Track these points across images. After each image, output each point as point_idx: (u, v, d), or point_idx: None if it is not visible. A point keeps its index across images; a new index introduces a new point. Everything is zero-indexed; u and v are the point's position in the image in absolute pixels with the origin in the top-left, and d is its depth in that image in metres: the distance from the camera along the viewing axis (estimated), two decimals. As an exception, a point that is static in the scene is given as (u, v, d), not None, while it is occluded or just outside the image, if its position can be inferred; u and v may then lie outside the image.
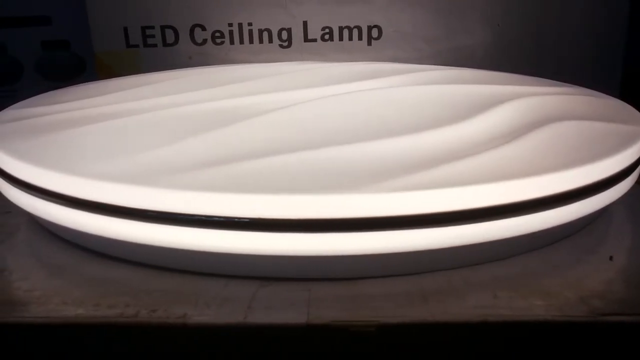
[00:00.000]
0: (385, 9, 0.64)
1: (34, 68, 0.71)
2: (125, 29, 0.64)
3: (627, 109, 0.43)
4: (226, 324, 0.28)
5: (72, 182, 0.31)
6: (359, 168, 0.31)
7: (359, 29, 0.65)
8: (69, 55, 0.71)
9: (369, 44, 0.66)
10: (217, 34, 0.65)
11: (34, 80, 0.71)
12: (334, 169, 0.31)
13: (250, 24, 0.65)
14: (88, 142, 0.36)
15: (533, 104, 0.41)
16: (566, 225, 0.33)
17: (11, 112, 0.44)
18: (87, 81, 0.55)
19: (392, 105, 0.42)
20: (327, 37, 0.65)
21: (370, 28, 0.65)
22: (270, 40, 0.65)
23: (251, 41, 0.65)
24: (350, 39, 0.65)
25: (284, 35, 0.65)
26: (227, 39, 0.65)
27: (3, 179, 0.36)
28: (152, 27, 0.64)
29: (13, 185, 0.35)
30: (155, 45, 0.65)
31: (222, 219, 0.29)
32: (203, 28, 0.65)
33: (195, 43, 0.65)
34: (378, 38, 0.65)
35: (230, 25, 0.65)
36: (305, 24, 0.65)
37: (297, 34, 0.65)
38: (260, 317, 0.28)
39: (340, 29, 0.65)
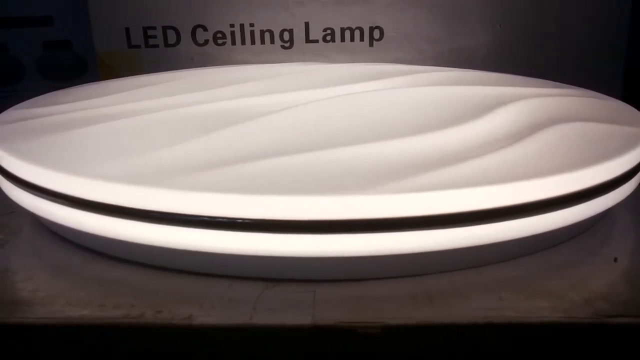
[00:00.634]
0: (387, 10, 0.64)
1: (35, 68, 0.71)
2: (127, 30, 0.64)
3: (630, 110, 0.43)
4: (232, 325, 0.28)
5: (76, 182, 0.31)
6: (364, 169, 0.31)
7: (361, 30, 0.65)
8: (70, 55, 0.71)
9: (371, 45, 0.66)
10: (219, 35, 0.65)
11: (36, 81, 0.71)
12: (338, 170, 0.31)
13: (252, 25, 0.65)
14: (91, 143, 0.36)
15: (536, 105, 0.41)
16: (570, 227, 0.33)
17: (14, 112, 0.44)
18: (89, 82, 0.55)
19: (395, 107, 0.42)
20: (328, 38, 0.65)
21: (372, 29, 0.65)
22: (272, 41, 0.65)
23: (253, 42, 0.65)
24: (352, 40, 0.65)
25: (286, 36, 0.65)
26: (228, 40, 0.65)
27: (7, 180, 0.36)
28: (154, 28, 0.64)
29: (16, 186, 0.35)
30: (156, 46, 0.65)
31: (226, 220, 0.29)
32: (205, 29, 0.64)
33: (196, 44, 0.65)
34: (380, 39, 0.65)
35: (232, 26, 0.64)
36: (307, 24, 0.65)
37: (299, 34, 0.65)
38: (266, 318, 0.28)
39: (342, 29, 0.65)
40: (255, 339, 0.28)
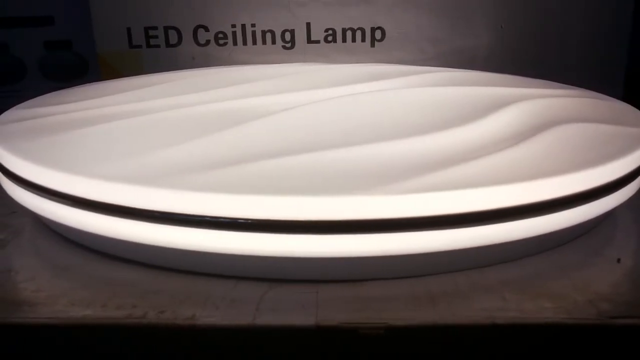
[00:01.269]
0: (389, 11, 0.64)
1: (36, 68, 0.71)
2: (128, 30, 0.64)
3: (633, 111, 0.43)
4: (235, 326, 0.28)
5: (78, 182, 0.31)
6: (367, 170, 0.31)
7: (363, 30, 0.65)
8: (71, 55, 0.71)
9: (373, 45, 0.65)
10: (220, 35, 0.65)
11: (37, 81, 0.71)
12: (341, 170, 0.31)
13: (253, 25, 0.64)
14: (93, 143, 0.36)
15: (539, 106, 0.41)
16: (573, 228, 0.33)
17: (16, 112, 0.44)
18: (90, 82, 0.55)
19: (398, 107, 0.42)
20: (330, 38, 0.65)
21: (373, 30, 0.65)
22: (274, 42, 0.65)
23: (254, 42, 0.65)
24: (354, 40, 0.65)
25: (287, 36, 0.65)
26: (230, 40, 0.65)
27: (8, 179, 0.36)
28: (155, 28, 0.64)
29: (19, 186, 0.35)
30: (158, 46, 0.65)
31: (229, 221, 0.29)
32: (206, 29, 0.64)
33: (198, 44, 0.65)
34: (381, 40, 0.65)
35: (234, 26, 0.64)
36: (308, 25, 0.65)
37: (300, 35, 0.65)
38: (269, 318, 0.28)
39: (344, 30, 0.65)
40: (259, 339, 0.28)
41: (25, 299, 0.30)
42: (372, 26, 0.65)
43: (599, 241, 0.36)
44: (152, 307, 0.29)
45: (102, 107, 0.43)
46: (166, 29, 0.64)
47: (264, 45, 0.65)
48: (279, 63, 0.60)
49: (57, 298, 0.30)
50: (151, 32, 0.64)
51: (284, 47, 0.65)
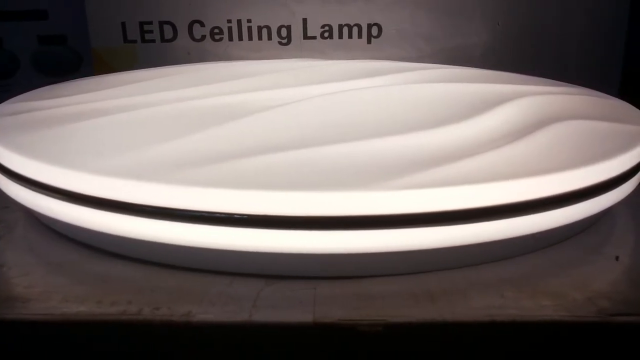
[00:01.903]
0: (386, 7, 0.64)
1: (29, 63, 0.70)
2: (123, 24, 0.63)
3: (630, 109, 0.43)
4: (231, 322, 0.27)
5: (72, 176, 0.31)
6: (364, 166, 0.31)
7: (359, 27, 0.65)
8: (65, 50, 0.70)
9: (369, 42, 0.65)
10: (216, 30, 0.64)
11: (30, 75, 0.70)
12: (339, 166, 0.31)
13: (249, 21, 0.64)
14: (88, 137, 0.36)
15: (537, 103, 0.41)
16: (571, 225, 0.33)
17: (9, 106, 0.43)
18: (84, 77, 0.54)
19: (396, 103, 0.42)
20: (326, 34, 0.65)
21: (370, 26, 0.65)
22: (270, 38, 0.65)
23: (250, 38, 0.65)
24: (350, 37, 0.65)
25: (284, 32, 0.65)
26: (226, 36, 0.64)
27: (1, 173, 0.35)
28: (150, 23, 0.64)
29: (12, 180, 0.34)
30: (153, 41, 0.64)
31: (226, 216, 0.29)
32: (202, 24, 0.64)
33: (193, 39, 0.64)
34: (378, 36, 0.65)
35: (229, 21, 0.64)
36: (304, 21, 0.64)
37: (297, 31, 0.65)
38: (266, 315, 0.28)
39: (340, 26, 0.65)
40: (256, 336, 0.27)
41: (18, 295, 0.30)
42: (369, 23, 0.64)
43: (597, 239, 0.35)
44: (148, 303, 0.29)
45: (97, 102, 0.42)
46: (161, 23, 0.64)
47: (260, 41, 0.65)
48: (275, 59, 0.59)
49: (51, 294, 0.30)
50: (146, 27, 0.64)
51: (280, 43, 0.65)
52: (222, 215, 0.29)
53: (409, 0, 0.64)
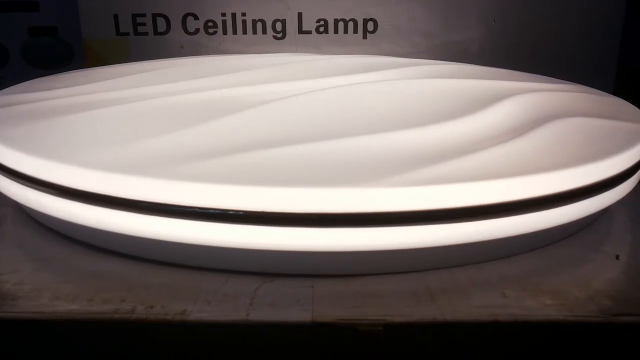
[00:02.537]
0: (382, 2, 0.63)
1: (19, 54, 0.69)
2: (116, 16, 0.62)
3: (628, 106, 0.43)
4: (228, 322, 0.27)
5: (63, 170, 0.30)
6: (364, 162, 0.30)
7: (355, 21, 0.64)
8: (56, 42, 0.69)
9: (364, 37, 0.65)
10: (210, 24, 0.63)
11: (20, 67, 0.69)
12: (337, 162, 0.30)
13: (244, 14, 0.63)
14: (79, 130, 0.35)
15: (536, 100, 0.41)
16: (572, 223, 0.32)
17: (-2, 98, 0.42)
18: (75, 69, 0.53)
19: (393, 99, 0.41)
20: (322, 29, 0.64)
21: (365, 21, 0.64)
22: (264, 31, 0.64)
23: (244, 32, 0.64)
24: (346, 31, 0.64)
25: (278, 26, 0.64)
26: (220, 29, 0.63)
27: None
28: (143, 15, 0.63)
29: (0, 174, 0.33)
30: (145, 34, 0.63)
31: (221, 212, 0.28)
32: (195, 17, 0.63)
33: (187, 32, 0.63)
34: (374, 31, 0.64)
35: (224, 15, 0.63)
36: (300, 15, 0.64)
37: (292, 25, 0.64)
38: (264, 314, 0.27)
39: (336, 21, 0.64)
40: (253, 336, 0.27)
41: (7, 293, 0.29)
42: (365, 17, 0.64)
43: (597, 237, 0.35)
44: (141, 301, 0.28)
45: (89, 94, 0.41)
46: (154, 16, 0.63)
47: (255, 35, 0.64)
48: (270, 53, 0.58)
49: (41, 291, 0.29)
50: (139, 20, 0.63)
51: (274, 37, 0.64)
52: (217, 211, 0.28)
53: (405, -5, 0.63)
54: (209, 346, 0.27)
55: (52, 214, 0.32)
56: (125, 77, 0.46)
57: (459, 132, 0.34)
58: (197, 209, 0.28)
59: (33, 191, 0.32)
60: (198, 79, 0.44)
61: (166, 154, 0.31)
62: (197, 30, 0.63)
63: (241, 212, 0.28)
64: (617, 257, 0.33)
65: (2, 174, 0.33)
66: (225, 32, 0.64)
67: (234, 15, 0.63)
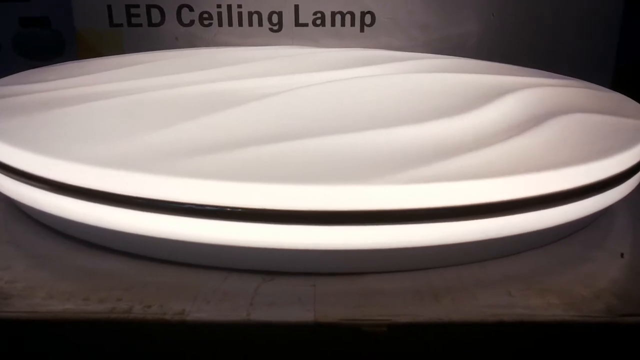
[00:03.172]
0: (380, -5, 0.62)
1: (11, 46, 0.67)
2: (109, 7, 0.61)
3: (629, 102, 0.43)
4: (228, 322, 0.26)
5: (58, 165, 0.29)
6: (366, 159, 0.30)
7: (352, 14, 0.63)
8: (48, 33, 0.67)
9: (362, 30, 0.64)
10: (205, 15, 0.62)
11: (11, 58, 0.67)
12: (338, 159, 0.30)
13: (239, 6, 0.62)
14: (74, 124, 0.34)
15: (537, 95, 0.40)
16: (576, 221, 0.32)
17: (-11, 90, 0.41)
18: (67, 60, 0.52)
19: (392, 94, 0.40)
20: (318, 22, 0.63)
21: (363, 14, 0.63)
22: (260, 24, 0.63)
23: (240, 24, 0.63)
24: (343, 24, 0.63)
25: (275, 18, 0.63)
26: (215, 21, 0.62)
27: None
28: (137, 6, 0.61)
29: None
30: (139, 25, 0.62)
31: (220, 209, 0.27)
32: (190, 8, 0.62)
33: (181, 24, 0.62)
34: (371, 25, 0.64)
35: (219, 6, 0.62)
36: (296, 7, 0.63)
37: (288, 17, 0.63)
38: (264, 314, 0.26)
39: (333, 14, 0.63)
40: (253, 336, 0.26)
41: (-1, 291, 0.28)
42: (362, 10, 0.63)
43: (599, 234, 0.35)
44: (138, 300, 0.27)
45: (83, 87, 0.40)
46: (149, 7, 0.61)
47: (250, 27, 0.63)
48: (266, 46, 0.58)
49: (35, 290, 0.28)
50: (133, 10, 0.61)
51: (270, 29, 0.63)
52: (215, 208, 0.27)
53: (403, -12, 0.62)
54: (209, 346, 0.26)
55: (46, 210, 0.31)
56: (121, 69, 0.45)
57: (460, 129, 0.34)
58: (195, 206, 0.27)
59: (26, 186, 0.31)
60: (196, 71, 0.44)
61: (164, 149, 0.30)
62: (192, 22, 0.62)
63: (239, 210, 0.27)
64: (622, 255, 0.32)
65: (-6, 169, 0.33)
66: (220, 24, 0.62)
67: (229, 6, 0.62)
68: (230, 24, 0.63)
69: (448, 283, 0.29)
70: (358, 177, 0.28)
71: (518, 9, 0.63)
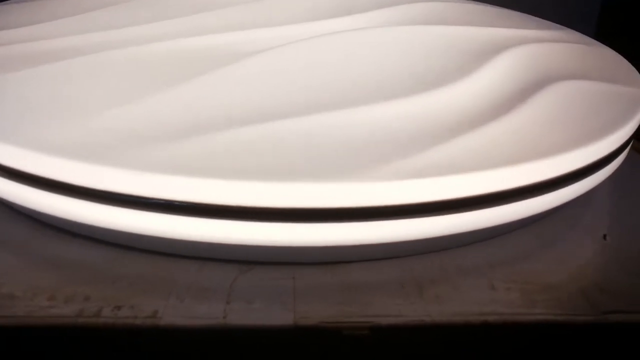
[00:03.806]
0: None
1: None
2: None
3: (623, 62, 0.41)
4: (204, 326, 0.25)
5: (11, 151, 0.26)
6: (346, 146, 0.27)
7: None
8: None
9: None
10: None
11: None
12: (316, 145, 0.27)
13: None
14: (23, 95, 0.30)
15: (532, 54, 0.38)
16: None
17: None
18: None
19: (379, 55, 0.37)
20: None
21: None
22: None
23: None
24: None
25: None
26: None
27: None
28: None
29: None
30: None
31: (188, 205, 0.25)
32: None
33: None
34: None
35: None
36: None
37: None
38: (242, 316, 0.25)
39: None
40: (230, 340, 0.25)
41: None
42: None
43: (582, 212, 0.34)
44: (108, 299, 0.26)
45: (22, 43, 0.36)
46: None
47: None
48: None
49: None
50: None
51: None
52: (183, 204, 0.25)
53: None
54: (183, 350, 0.25)
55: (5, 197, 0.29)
56: (70, 18, 0.40)
57: (450, 103, 0.31)
58: (159, 201, 0.25)
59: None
60: (163, 20, 0.39)
61: (126, 134, 0.27)
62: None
63: (211, 206, 0.25)
64: (605, 237, 0.32)
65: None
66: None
67: None
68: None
69: (431, 275, 0.28)
70: (335, 173, 0.26)
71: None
